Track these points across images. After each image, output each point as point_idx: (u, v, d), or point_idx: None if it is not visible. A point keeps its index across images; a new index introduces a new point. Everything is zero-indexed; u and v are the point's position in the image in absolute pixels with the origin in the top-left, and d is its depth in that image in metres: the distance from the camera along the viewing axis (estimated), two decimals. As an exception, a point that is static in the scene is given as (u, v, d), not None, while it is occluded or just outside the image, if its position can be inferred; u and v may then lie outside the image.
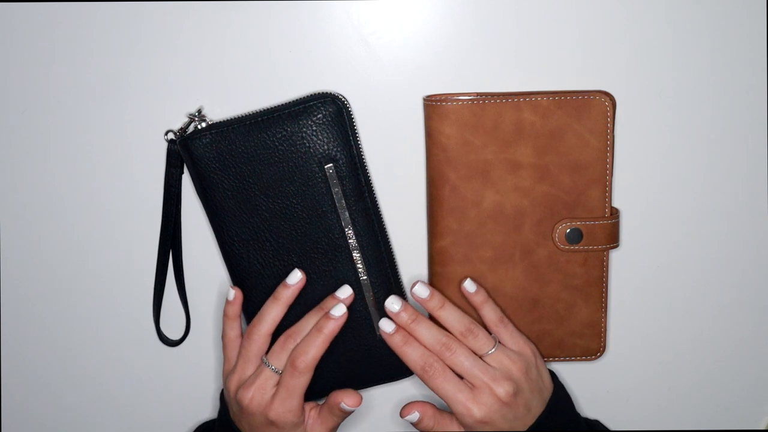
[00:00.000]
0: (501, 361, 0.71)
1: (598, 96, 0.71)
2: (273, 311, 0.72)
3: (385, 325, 0.72)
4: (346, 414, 0.73)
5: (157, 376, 0.81)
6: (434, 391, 0.70)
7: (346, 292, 0.72)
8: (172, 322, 0.79)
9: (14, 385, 0.82)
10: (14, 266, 0.79)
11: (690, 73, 0.75)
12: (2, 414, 0.82)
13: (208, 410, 0.82)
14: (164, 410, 0.82)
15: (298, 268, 0.73)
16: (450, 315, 0.72)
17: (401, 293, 0.76)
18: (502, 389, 0.69)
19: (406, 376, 0.77)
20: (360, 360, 0.75)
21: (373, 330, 0.74)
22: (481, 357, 0.71)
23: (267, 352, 0.72)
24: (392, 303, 0.72)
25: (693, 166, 0.77)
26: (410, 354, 0.71)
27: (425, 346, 0.71)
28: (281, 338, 0.71)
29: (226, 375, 0.74)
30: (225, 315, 0.74)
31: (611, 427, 0.81)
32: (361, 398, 0.72)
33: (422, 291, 0.72)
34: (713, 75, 0.75)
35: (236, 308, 0.74)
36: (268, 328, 0.72)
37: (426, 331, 0.71)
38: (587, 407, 0.81)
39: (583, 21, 0.74)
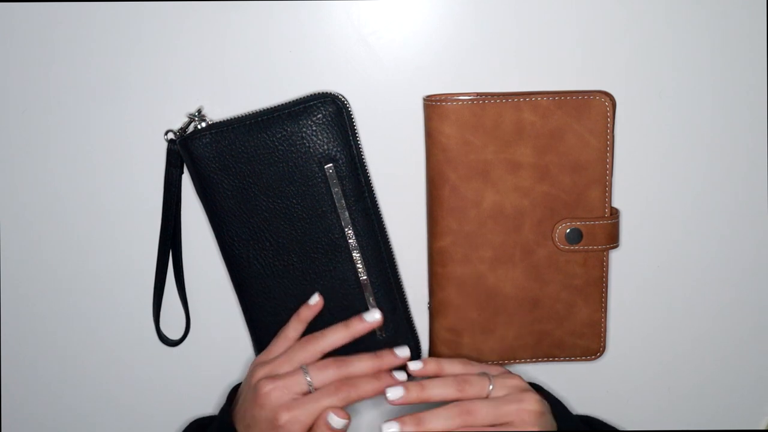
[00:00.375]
0: (505, 383, 0.69)
1: (598, 96, 0.71)
2: (338, 336, 0.71)
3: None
4: None
5: (157, 376, 0.81)
6: None
7: (404, 351, 0.71)
8: (172, 322, 0.79)
9: (14, 385, 0.82)
10: (14, 266, 0.79)
11: (690, 73, 0.75)
12: (2, 414, 0.82)
13: (208, 410, 0.81)
14: (164, 410, 0.82)
15: (299, 267, 0.73)
16: (436, 390, 0.68)
17: (401, 293, 0.76)
18: (529, 404, 0.67)
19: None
20: (360, 360, 0.75)
21: (373, 331, 0.74)
22: (488, 396, 0.68)
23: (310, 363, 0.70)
24: (388, 427, 0.68)
25: (693, 166, 0.77)
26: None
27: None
28: (332, 360, 0.70)
29: (260, 361, 0.72)
30: (297, 315, 0.74)
31: (611, 427, 0.81)
32: (349, 417, 0.68)
33: (395, 394, 0.68)
34: (713, 75, 0.75)
35: (311, 314, 0.74)
36: (325, 348, 0.71)
37: (435, 422, 0.67)
38: (587, 407, 0.81)
39: (583, 21, 0.74)
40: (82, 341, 0.81)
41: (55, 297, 0.80)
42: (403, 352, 0.71)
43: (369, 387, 0.69)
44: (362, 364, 0.70)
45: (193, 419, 0.80)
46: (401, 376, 0.70)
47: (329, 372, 0.69)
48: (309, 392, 0.69)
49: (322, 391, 0.68)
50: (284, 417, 0.68)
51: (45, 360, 0.81)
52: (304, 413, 0.68)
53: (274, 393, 0.69)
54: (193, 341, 0.80)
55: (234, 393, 0.75)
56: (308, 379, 0.69)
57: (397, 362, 0.71)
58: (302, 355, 0.71)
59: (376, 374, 0.70)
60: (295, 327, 0.74)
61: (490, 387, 0.68)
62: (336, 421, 0.68)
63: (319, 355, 0.71)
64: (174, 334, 0.80)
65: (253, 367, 0.72)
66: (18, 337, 0.81)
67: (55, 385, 0.82)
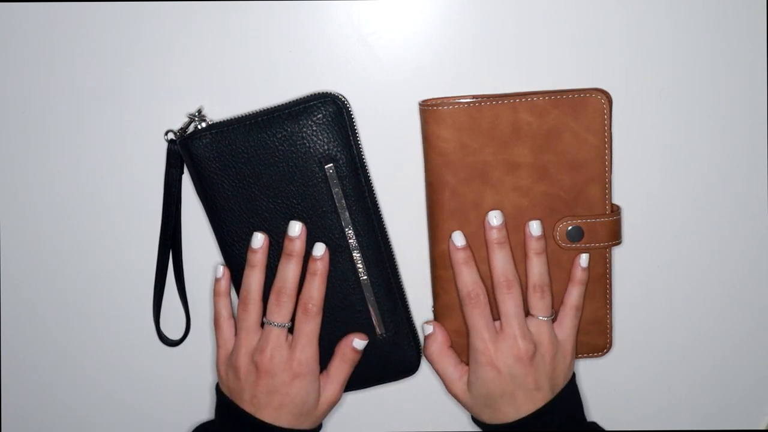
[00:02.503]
0: (541, 331, 0.72)
1: (593, 94, 0.71)
2: (255, 278, 0.72)
3: (457, 239, 0.72)
4: (357, 357, 0.74)
5: (157, 376, 0.81)
6: (466, 319, 0.72)
7: (320, 249, 0.72)
8: (172, 322, 0.79)
9: (14, 385, 0.82)
10: (14, 266, 0.79)
11: (690, 72, 0.75)
12: (2, 414, 0.82)
13: (207, 410, 0.81)
14: (164, 410, 0.82)
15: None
16: (538, 265, 0.72)
17: (401, 293, 0.75)
18: (524, 346, 0.70)
19: (406, 376, 0.77)
20: (361, 359, 0.75)
21: (374, 330, 0.74)
22: (529, 315, 0.72)
23: (264, 315, 0.72)
24: (494, 216, 0.72)
25: (695, 162, 0.77)
26: (465, 275, 0.72)
27: (492, 272, 0.72)
28: (272, 297, 0.72)
29: (227, 357, 0.74)
30: (216, 293, 0.75)
31: (611, 427, 0.81)
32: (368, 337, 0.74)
33: (536, 230, 0.72)
34: (713, 74, 0.75)
35: (226, 284, 0.74)
36: (258, 295, 0.72)
37: (502, 260, 0.72)
38: (595, 405, 0.81)
39: (583, 21, 0.74)
40: (82, 341, 0.81)
41: (55, 297, 0.80)
42: (319, 249, 0.72)
43: (317, 284, 0.72)
44: (287, 273, 0.71)
45: (197, 425, 0.80)
46: (319, 250, 0.72)
47: (282, 305, 0.71)
48: (289, 332, 0.72)
49: (297, 325, 0.72)
50: (296, 366, 0.71)
51: (45, 360, 0.81)
52: (306, 348, 0.71)
53: (275, 357, 0.71)
54: (193, 341, 0.80)
55: (220, 401, 0.75)
56: (277, 324, 0.71)
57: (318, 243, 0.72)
58: (252, 317, 0.72)
59: (309, 272, 0.72)
60: (223, 305, 0.75)
61: (541, 317, 0.72)
62: (359, 343, 0.73)
63: (260, 304, 0.73)
64: (174, 334, 0.80)
65: (232, 360, 0.73)
66: (18, 337, 0.81)
67: (55, 385, 0.82)
